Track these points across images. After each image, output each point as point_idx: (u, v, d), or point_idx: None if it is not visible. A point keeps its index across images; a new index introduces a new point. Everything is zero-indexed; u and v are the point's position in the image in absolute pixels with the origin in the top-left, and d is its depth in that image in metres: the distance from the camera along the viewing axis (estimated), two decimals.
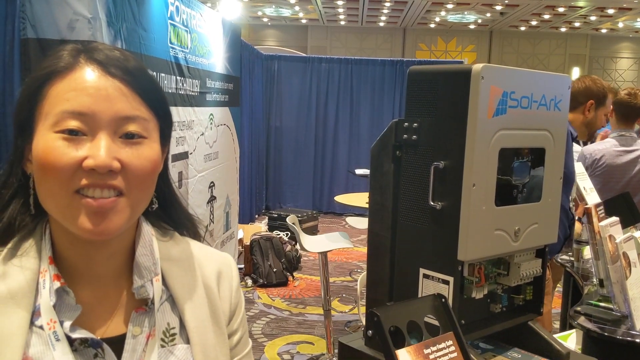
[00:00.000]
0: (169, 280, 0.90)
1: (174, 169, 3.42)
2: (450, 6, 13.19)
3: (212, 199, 4.23)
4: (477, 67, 1.48)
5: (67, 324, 0.80)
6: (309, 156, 8.87)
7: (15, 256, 0.82)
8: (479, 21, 15.07)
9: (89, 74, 0.79)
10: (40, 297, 0.80)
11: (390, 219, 1.70)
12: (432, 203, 1.57)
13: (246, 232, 5.57)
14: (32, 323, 0.79)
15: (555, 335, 2.24)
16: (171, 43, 3.29)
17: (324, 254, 3.59)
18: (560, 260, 2.82)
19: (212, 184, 4.20)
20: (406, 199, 1.66)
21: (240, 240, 5.36)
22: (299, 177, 8.86)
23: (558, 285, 3.53)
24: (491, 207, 1.57)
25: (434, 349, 1.32)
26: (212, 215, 4.22)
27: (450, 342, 1.36)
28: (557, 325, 3.62)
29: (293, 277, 5.53)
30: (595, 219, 2.00)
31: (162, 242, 0.93)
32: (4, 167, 0.86)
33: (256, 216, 7.80)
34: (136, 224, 0.90)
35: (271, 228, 6.57)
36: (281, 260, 5.40)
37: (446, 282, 1.59)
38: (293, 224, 3.61)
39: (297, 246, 4.59)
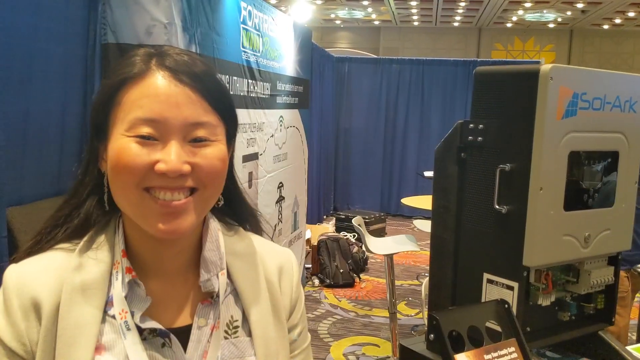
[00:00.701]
0: (233, 274, 0.93)
1: (244, 170, 3.51)
2: (528, 5, 12.79)
3: (281, 199, 4.30)
4: (546, 67, 1.44)
5: (138, 314, 0.84)
6: (378, 158, 8.84)
7: (91, 249, 0.87)
8: (559, 20, 14.51)
9: (160, 81, 0.82)
10: (113, 288, 0.85)
11: (454, 222, 1.68)
12: (497, 207, 1.55)
13: (314, 233, 5.62)
14: (105, 313, 0.84)
15: (629, 347, 2.14)
16: (243, 47, 3.37)
17: (389, 257, 3.57)
18: (638, 269, 2.69)
19: (280, 185, 4.28)
20: (470, 202, 1.64)
21: (308, 241, 5.41)
22: (367, 179, 8.85)
23: (638, 295, 3.36)
24: (559, 211, 1.52)
25: (495, 355, 1.30)
26: (280, 215, 4.30)
27: (512, 349, 1.33)
28: (634, 336, 3.45)
29: (360, 278, 5.53)
30: None
31: (227, 237, 0.96)
32: (81, 166, 0.91)
33: (324, 217, 7.85)
34: (203, 220, 0.93)
35: (338, 229, 6.59)
36: (348, 262, 5.42)
37: (511, 288, 1.56)
38: (359, 225, 3.62)
39: (364, 248, 4.59)
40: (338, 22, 15.65)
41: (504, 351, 1.32)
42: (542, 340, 1.65)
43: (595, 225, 1.61)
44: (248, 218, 1.02)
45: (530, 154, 1.48)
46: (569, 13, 13.63)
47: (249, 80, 3.49)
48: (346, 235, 5.84)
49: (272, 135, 4.01)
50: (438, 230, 1.74)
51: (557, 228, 1.53)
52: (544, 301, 1.61)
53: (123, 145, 0.81)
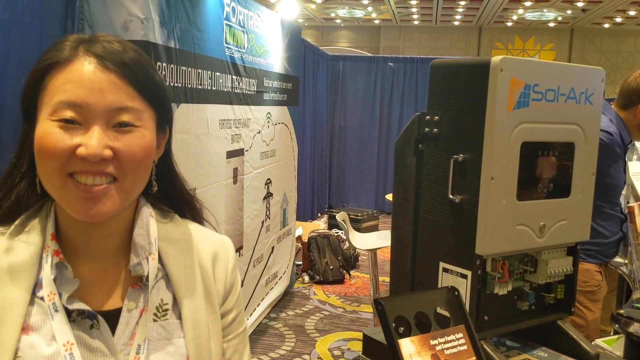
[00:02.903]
0: (165, 259, 0.95)
1: (229, 165, 3.53)
2: (528, 4, 12.77)
3: (269, 195, 4.32)
4: (496, 59, 1.46)
5: (65, 296, 0.86)
6: (373, 156, 8.86)
7: (22, 232, 0.89)
8: (559, 19, 14.49)
9: (85, 67, 0.84)
10: (42, 270, 0.87)
11: (412, 212, 1.70)
12: (451, 196, 1.57)
13: (305, 230, 5.64)
14: (34, 294, 0.86)
15: (600, 340, 2.16)
16: (227, 43, 3.39)
17: (373, 252, 3.59)
18: (613, 263, 2.70)
19: (268, 181, 4.30)
20: (427, 193, 1.66)
21: (299, 237, 5.43)
22: (362, 177, 8.87)
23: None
24: (512, 201, 1.54)
25: (442, 340, 1.32)
26: (268, 212, 4.32)
27: (460, 335, 1.35)
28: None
29: (350, 275, 5.55)
30: (638, 218, 1.91)
31: (161, 224, 0.97)
32: (15, 150, 0.93)
33: (318, 215, 7.88)
34: (135, 206, 0.95)
35: (331, 226, 6.61)
36: (338, 258, 5.44)
37: (464, 277, 1.58)
38: (343, 220, 3.64)
39: (348, 242, 4.60)
40: (338, 21, 15.66)
41: (452, 337, 1.34)
42: (500, 328, 1.67)
43: (550, 215, 1.63)
44: (183, 205, 1.03)
45: (482, 145, 1.50)
46: (569, 12, 13.61)
47: (234, 77, 3.51)
48: (337, 232, 5.87)
49: (259, 132, 4.03)
50: (398, 221, 1.76)
51: (510, 217, 1.55)
52: (500, 290, 1.63)
53: (46, 130, 0.82)
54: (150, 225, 0.95)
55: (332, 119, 8.84)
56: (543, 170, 1.60)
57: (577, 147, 1.65)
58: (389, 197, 5.01)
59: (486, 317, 1.65)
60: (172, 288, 0.94)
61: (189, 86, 2.92)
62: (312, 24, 15.91)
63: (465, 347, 1.35)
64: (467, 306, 1.51)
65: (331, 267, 5.32)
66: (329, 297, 5.02)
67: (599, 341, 2.12)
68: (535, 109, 1.53)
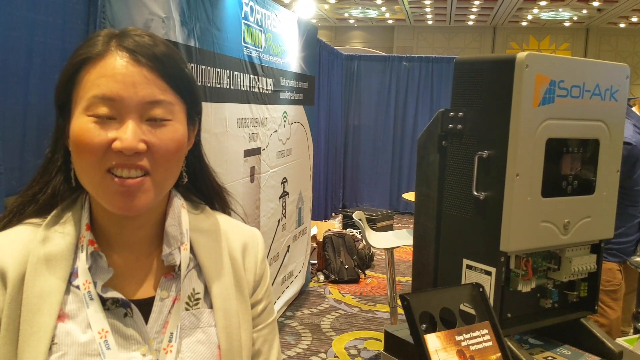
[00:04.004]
0: (196, 249, 0.96)
1: (246, 164, 3.55)
2: (543, 3, 12.69)
3: (285, 194, 4.34)
4: (522, 55, 1.46)
5: (100, 284, 0.88)
6: (387, 155, 8.85)
7: (58, 223, 0.91)
8: (575, 18, 14.38)
9: (118, 62, 0.85)
10: (78, 260, 0.89)
11: (435, 209, 1.71)
12: (475, 193, 1.57)
13: (320, 229, 5.65)
14: (70, 283, 0.88)
15: (621, 339, 2.14)
16: (245, 42, 3.41)
17: (389, 251, 3.59)
18: (634, 263, 2.68)
19: (284, 180, 4.31)
20: (451, 189, 1.66)
21: (314, 237, 5.44)
22: (377, 177, 8.87)
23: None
24: (537, 198, 1.54)
25: (467, 336, 1.32)
26: (284, 210, 4.33)
27: (485, 331, 1.35)
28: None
29: (365, 274, 5.55)
30: None
31: (192, 215, 0.99)
32: (50, 145, 0.95)
33: (332, 214, 7.88)
34: (167, 197, 0.96)
35: (345, 226, 6.61)
36: (353, 258, 5.44)
37: (489, 274, 1.58)
38: (359, 219, 3.64)
39: (364, 241, 4.60)
40: (352, 21, 15.65)
41: (477, 333, 1.34)
42: (523, 326, 1.67)
43: (574, 212, 1.62)
44: (213, 196, 1.05)
45: (507, 141, 1.49)
46: (584, 11, 13.51)
47: (251, 76, 3.52)
48: (352, 232, 5.87)
49: (276, 131, 4.05)
50: (420, 218, 1.76)
51: (535, 214, 1.54)
52: (524, 287, 1.63)
53: (82, 126, 0.84)
54: (182, 216, 0.97)
55: (346, 119, 8.84)
56: (568, 166, 1.60)
57: (602, 144, 1.64)
58: (407, 195, 5.00)
59: (509, 315, 1.65)
60: (204, 278, 0.95)
61: (208, 85, 2.93)
62: (326, 24, 15.91)
63: (490, 343, 1.35)
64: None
65: (346, 266, 5.32)
66: (345, 297, 5.02)
67: (619, 340, 2.11)
68: (560, 106, 1.52)
